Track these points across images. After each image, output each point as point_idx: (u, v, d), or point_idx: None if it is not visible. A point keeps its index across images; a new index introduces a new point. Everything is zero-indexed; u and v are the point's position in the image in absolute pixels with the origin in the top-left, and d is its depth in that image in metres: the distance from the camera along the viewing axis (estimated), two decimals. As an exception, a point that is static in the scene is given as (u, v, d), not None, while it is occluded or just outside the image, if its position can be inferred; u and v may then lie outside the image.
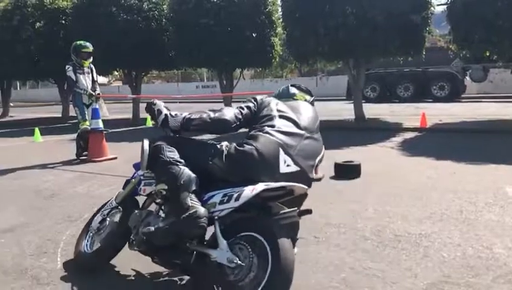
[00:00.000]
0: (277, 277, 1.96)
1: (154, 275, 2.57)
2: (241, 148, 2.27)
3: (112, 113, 16.45)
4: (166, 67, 15.46)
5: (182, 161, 2.30)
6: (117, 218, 2.68)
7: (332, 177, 4.82)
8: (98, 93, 7.06)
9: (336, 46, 9.19)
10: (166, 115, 2.52)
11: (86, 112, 6.92)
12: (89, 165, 6.27)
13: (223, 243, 2.10)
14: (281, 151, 2.30)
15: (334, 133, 8.69)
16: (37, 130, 9.72)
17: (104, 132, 6.84)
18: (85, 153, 6.80)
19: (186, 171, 2.25)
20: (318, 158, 2.52)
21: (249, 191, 2.10)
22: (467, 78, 17.28)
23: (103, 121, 6.93)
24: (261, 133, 2.35)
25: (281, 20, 11.07)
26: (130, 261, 2.66)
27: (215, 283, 2.07)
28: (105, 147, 6.78)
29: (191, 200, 2.16)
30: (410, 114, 11.75)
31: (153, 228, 2.25)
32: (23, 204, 4.24)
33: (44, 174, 5.71)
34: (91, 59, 7.00)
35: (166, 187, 2.29)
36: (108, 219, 2.74)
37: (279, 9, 11.19)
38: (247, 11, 10.72)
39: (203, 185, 2.26)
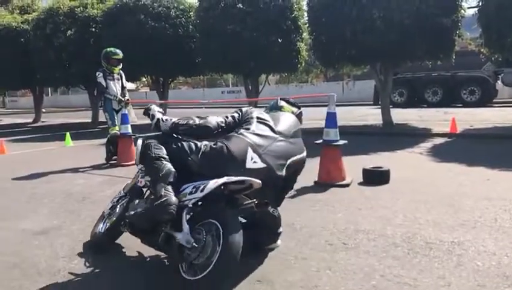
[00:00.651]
0: (225, 256, 2.25)
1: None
2: (214, 146, 2.62)
3: (140, 118, 16.73)
4: (193, 73, 15.62)
5: (166, 157, 2.63)
6: (124, 205, 3.10)
7: (360, 183, 4.76)
8: (128, 99, 7.19)
9: (363, 50, 9.10)
10: (158, 119, 2.88)
11: (116, 118, 7.06)
12: (118, 169, 6.38)
13: (185, 227, 2.40)
14: (250, 150, 2.62)
15: (362, 138, 8.60)
16: (68, 135, 9.97)
17: (133, 136, 6.95)
18: (114, 157, 6.94)
19: (167, 166, 2.57)
20: (291, 159, 2.80)
21: (213, 183, 2.39)
22: (499, 82, 16.79)
23: (132, 126, 7.05)
24: (235, 134, 2.72)
25: (307, 25, 11.03)
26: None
27: (178, 261, 2.41)
28: (133, 152, 6.88)
29: (165, 190, 2.47)
30: (439, 119, 11.50)
31: (133, 212, 2.61)
32: (56, 207, 4.35)
33: (75, 178, 5.84)
34: (121, 66, 7.15)
35: (150, 179, 2.66)
36: (118, 205, 3.19)
37: (305, 14, 11.16)
38: (273, 17, 10.73)
39: (184, 178, 2.57)
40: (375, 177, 4.79)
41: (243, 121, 2.86)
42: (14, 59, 15.81)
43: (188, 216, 2.44)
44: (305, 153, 2.96)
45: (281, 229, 2.88)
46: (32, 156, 8.46)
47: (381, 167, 4.92)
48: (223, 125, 2.84)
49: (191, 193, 2.47)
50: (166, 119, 2.86)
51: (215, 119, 2.85)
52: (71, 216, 3.98)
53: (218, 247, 2.28)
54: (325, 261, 2.76)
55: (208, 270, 2.24)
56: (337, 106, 4.94)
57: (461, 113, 12.30)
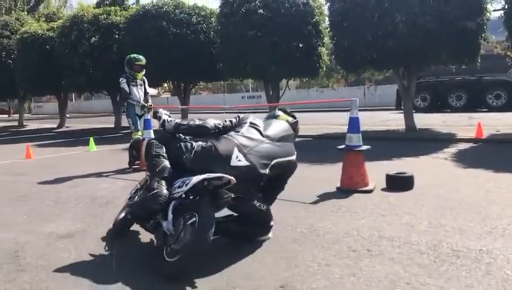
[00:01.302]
0: (196, 242, 2.60)
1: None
2: (204, 146, 2.97)
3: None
4: (214, 79, 15.74)
5: (165, 155, 3.01)
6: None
7: (384, 189, 4.69)
8: (150, 105, 7.28)
9: (385, 54, 9.01)
10: (164, 120, 3.25)
11: (138, 123, 7.15)
12: (141, 174, 6.42)
13: (170, 216, 2.76)
14: (235, 150, 2.96)
15: (384, 143, 8.49)
16: (91, 140, 10.14)
17: (155, 141, 7.01)
18: (137, 162, 7.02)
19: (163, 163, 2.96)
20: (276, 160, 3.11)
21: (195, 179, 2.72)
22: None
23: (154, 131, 7.12)
24: (225, 136, 3.09)
25: (328, 29, 10.99)
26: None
27: (162, 245, 2.78)
28: (156, 157, 6.95)
29: (157, 183, 2.85)
30: (464, 124, 11.28)
31: (132, 202, 3.14)
32: (80, 211, 4.42)
33: (99, 183, 5.93)
34: (144, 72, 7.25)
35: (149, 173, 3.06)
36: (135, 196, 3.47)
37: (326, 19, 11.12)
38: (294, 22, 10.74)
39: (180, 174, 2.90)
40: (399, 183, 4.71)
41: (237, 125, 3.24)
42: (39, 66, 16.25)
43: (172, 207, 2.79)
44: (293, 157, 3.28)
45: (272, 223, 3.23)
46: (57, 160, 8.63)
47: (404, 173, 4.83)
48: (220, 127, 3.18)
49: (179, 187, 2.80)
50: (170, 120, 3.24)
51: (213, 121, 3.19)
52: (95, 220, 4.03)
53: (193, 234, 2.63)
54: (349, 268, 2.72)
55: (181, 254, 2.59)
56: (359, 111, 4.89)
57: (486, 118, 12.05)
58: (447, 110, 16.74)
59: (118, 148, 9.90)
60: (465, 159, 6.54)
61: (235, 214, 3.23)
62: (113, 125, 16.25)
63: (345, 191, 4.64)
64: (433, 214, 3.74)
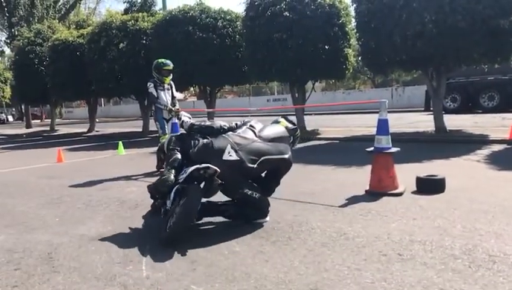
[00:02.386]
0: (181, 216, 3.31)
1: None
2: (204, 142, 3.67)
3: (188, 127, 17.05)
4: (239, 82, 15.80)
5: (178, 149, 3.85)
6: None
7: (414, 192, 4.59)
8: (178, 109, 7.35)
9: (414, 55, 8.84)
10: (182, 121, 4.33)
11: (166, 126, 7.24)
12: (169, 177, 6.50)
13: (171, 197, 3.56)
14: (229, 146, 3.58)
15: (414, 145, 8.34)
16: (120, 143, 10.32)
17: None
18: (164, 165, 7.08)
19: (176, 155, 3.80)
20: (265, 157, 3.64)
21: (191, 168, 3.42)
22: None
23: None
24: (223, 135, 3.73)
25: (354, 31, 10.87)
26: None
27: (165, 219, 3.53)
28: (183, 160, 7.01)
29: (168, 171, 3.68)
30: (496, 125, 10.96)
31: (152, 185, 3.83)
32: (110, 214, 4.49)
33: (128, 186, 6.02)
34: (171, 76, 7.33)
35: (165, 163, 3.88)
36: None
37: (353, 20, 11.00)
38: (319, 24, 10.66)
39: (188, 165, 3.61)
40: (430, 186, 4.59)
41: (239, 127, 3.87)
42: (70, 72, 16.70)
43: (175, 190, 3.56)
44: (285, 156, 3.76)
45: (269, 209, 3.84)
46: (87, 164, 8.82)
47: (435, 175, 4.71)
48: (225, 128, 3.84)
49: (181, 174, 3.56)
50: (187, 121, 4.21)
51: (220, 122, 3.90)
52: (125, 223, 4.09)
53: (179, 211, 3.33)
54: (380, 272, 2.67)
55: (172, 226, 3.32)
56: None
57: (520, 119, 11.66)
58: (479, 111, 16.30)
59: (146, 151, 10.05)
60: (498, 161, 6.34)
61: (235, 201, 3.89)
62: (141, 129, 16.51)
63: (374, 194, 4.56)
64: (466, 218, 3.64)
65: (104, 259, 3.16)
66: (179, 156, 3.74)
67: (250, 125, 3.85)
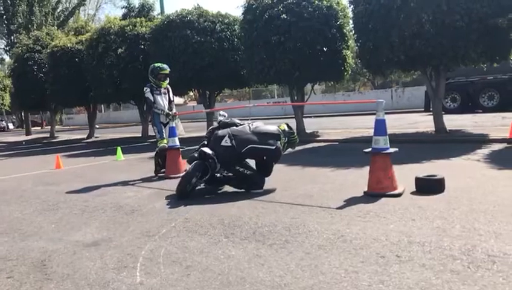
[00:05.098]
0: (183, 179, 5.15)
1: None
2: (215, 133, 5.31)
3: (188, 131, 17.08)
4: (239, 86, 15.77)
5: (205, 142, 5.47)
6: None
7: (413, 193, 4.53)
8: (175, 113, 7.32)
9: (412, 55, 8.80)
10: (219, 120, 5.71)
11: (164, 131, 7.20)
12: (166, 182, 6.47)
13: (191, 166, 5.22)
14: (227, 136, 5.10)
15: (413, 146, 8.30)
16: (119, 149, 10.29)
17: (181, 149, 7.04)
18: (163, 170, 7.05)
19: (203, 143, 5.53)
20: (250, 145, 5.00)
21: (200, 149, 5.21)
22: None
23: (180, 139, 7.15)
24: (227, 128, 5.25)
25: (352, 32, 10.84)
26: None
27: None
28: (181, 164, 6.97)
29: (200, 148, 5.26)
30: (496, 124, 10.90)
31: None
32: (106, 219, 4.44)
33: (125, 191, 5.97)
34: (168, 80, 7.30)
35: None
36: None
37: (351, 21, 10.97)
38: (317, 26, 10.63)
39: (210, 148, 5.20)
40: (429, 186, 4.53)
41: (243, 124, 5.31)
42: (69, 78, 16.71)
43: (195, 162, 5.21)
44: (271, 147, 5.00)
45: (263, 183, 5.15)
46: (85, 170, 8.78)
47: (435, 175, 4.66)
48: (238, 124, 5.37)
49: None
50: (219, 120, 5.62)
51: (235, 120, 5.48)
52: (120, 228, 4.04)
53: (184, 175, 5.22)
54: (378, 274, 2.62)
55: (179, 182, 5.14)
56: (386, 113, 4.76)
57: (521, 118, 11.59)
58: (479, 111, 16.24)
59: (145, 156, 10.02)
60: (498, 161, 6.28)
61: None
62: (140, 135, 16.49)
63: (372, 195, 4.51)
64: (466, 218, 3.58)
65: (98, 265, 3.11)
66: (205, 141, 5.50)
67: (249, 123, 5.21)
